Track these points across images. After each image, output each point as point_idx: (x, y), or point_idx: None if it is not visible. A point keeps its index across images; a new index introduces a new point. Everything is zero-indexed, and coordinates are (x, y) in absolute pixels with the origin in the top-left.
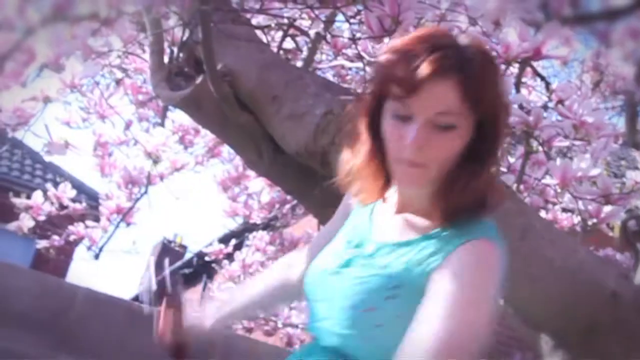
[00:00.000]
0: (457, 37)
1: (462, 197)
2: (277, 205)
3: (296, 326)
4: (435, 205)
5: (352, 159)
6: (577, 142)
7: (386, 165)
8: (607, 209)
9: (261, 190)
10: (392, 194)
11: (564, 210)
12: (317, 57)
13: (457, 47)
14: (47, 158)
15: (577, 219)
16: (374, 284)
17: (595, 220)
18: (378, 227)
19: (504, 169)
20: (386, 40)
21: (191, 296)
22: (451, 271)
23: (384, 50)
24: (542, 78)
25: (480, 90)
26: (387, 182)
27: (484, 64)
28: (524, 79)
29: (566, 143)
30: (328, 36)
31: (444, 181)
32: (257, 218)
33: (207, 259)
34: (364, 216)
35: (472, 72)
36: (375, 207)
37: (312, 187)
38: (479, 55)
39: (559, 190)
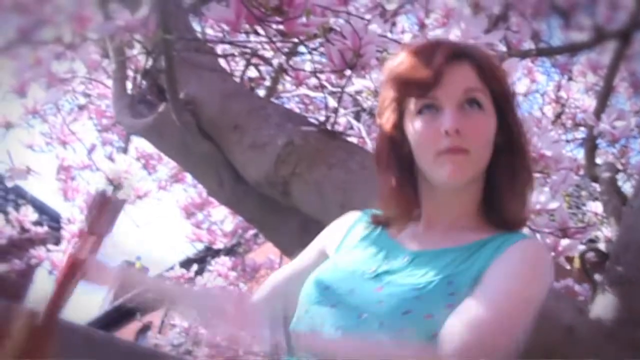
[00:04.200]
0: None
1: (519, 202)
2: (240, 231)
3: (257, 354)
4: (481, 214)
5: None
6: (536, 175)
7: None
8: (565, 242)
9: (224, 218)
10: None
11: None
12: (280, 86)
13: (458, 42)
14: (9, 183)
15: None
16: (432, 290)
17: (553, 254)
18: (404, 242)
19: None
20: (347, 72)
21: (152, 320)
22: (503, 267)
23: (388, 68)
24: None
25: (491, 69)
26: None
27: (484, 52)
28: None
29: None
30: (290, 67)
31: (493, 184)
32: (220, 244)
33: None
34: (380, 239)
35: (480, 56)
36: (386, 232)
37: (272, 216)
38: (478, 48)
39: None
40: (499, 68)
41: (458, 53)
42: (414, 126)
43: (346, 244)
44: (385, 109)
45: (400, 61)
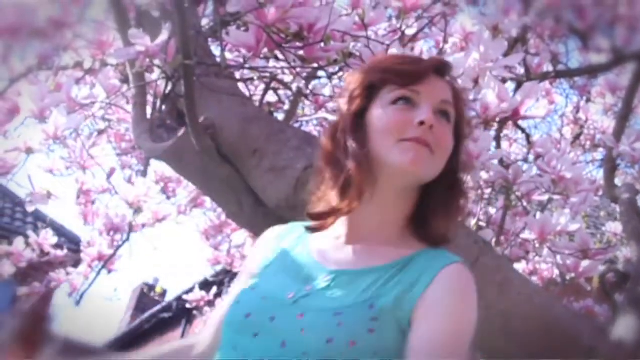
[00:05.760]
0: None
1: (451, 221)
2: None
3: None
4: (406, 227)
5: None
6: (556, 197)
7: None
8: (585, 263)
9: (244, 242)
10: (338, 225)
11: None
12: (300, 110)
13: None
14: (30, 208)
15: (557, 271)
16: (353, 315)
17: (573, 275)
18: (326, 258)
19: (483, 223)
20: None
21: (170, 341)
22: (432, 304)
23: (370, 61)
24: (523, 131)
25: (461, 95)
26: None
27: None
28: (505, 132)
29: (545, 197)
30: (309, 92)
31: (427, 202)
32: (238, 267)
33: (188, 305)
34: (301, 257)
35: (454, 80)
36: (309, 241)
37: None
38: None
39: (537, 245)
40: (465, 99)
41: (441, 69)
42: (386, 112)
43: (268, 264)
44: (355, 94)
45: (386, 57)
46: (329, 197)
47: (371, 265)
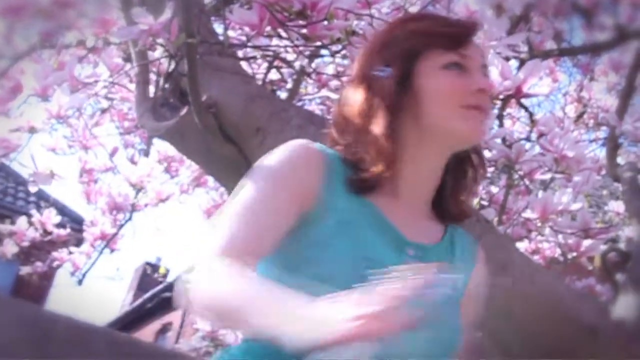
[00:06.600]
0: None
1: (468, 198)
2: None
3: None
4: (442, 201)
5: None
6: (558, 175)
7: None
8: (587, 242)
9: None
10: (387, 190)
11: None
12: (302, 88)
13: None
14: (33, 187)
15: (559, 250)
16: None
17: (574, 254)
18: (400, 224)
19: (485, 202)
20: None
21: (172, 321)
22: (482, 277)
23: (404, 22)
24: (526, 109)
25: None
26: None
27: None
28: (508, 110)
29: (548, 176)
30: (312, 70)
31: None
32: None
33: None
34: (371, 213)
35: None
36: (371, 202)
37: None
38: None
39: (539, 224)
40: None
41: (475, 31)
42: (439, 79)
43: (334, 200)
44: (396, 57)
45: (424, 18)
46: (371, 160)
47: (435, 242)
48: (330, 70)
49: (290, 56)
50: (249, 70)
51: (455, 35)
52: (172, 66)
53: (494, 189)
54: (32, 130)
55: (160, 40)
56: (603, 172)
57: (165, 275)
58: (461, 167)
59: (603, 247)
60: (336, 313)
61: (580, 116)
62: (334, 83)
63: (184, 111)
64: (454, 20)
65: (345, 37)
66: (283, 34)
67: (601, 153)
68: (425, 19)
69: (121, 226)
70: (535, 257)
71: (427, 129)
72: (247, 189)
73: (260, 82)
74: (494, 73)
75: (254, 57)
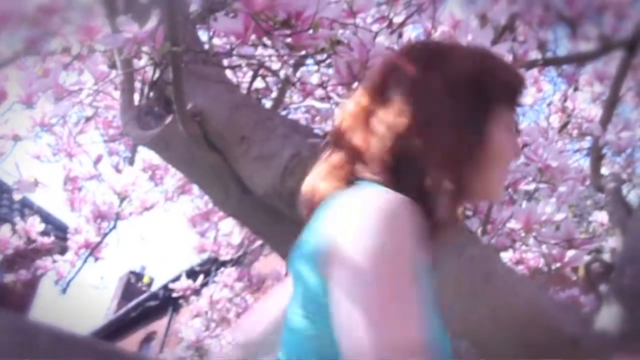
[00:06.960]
0: None
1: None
2: (246, 242)
3: None
4: None
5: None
6: (542, 185)
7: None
8: (571, 253)
9: (231, 230)
10: None
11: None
12: (287, 97)
13: None
14: (17, 195)
15: (543, 260)
16: None
17: (558, 264)
18: None
19: (469, 212)
20: (354, 84)
21: (156, 330)
22: None
23: (484, 65)
24: None
25: None
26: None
27: None
28: None
29: (532, 186)
30: (297, 79)
31: None
32: (225, 255)
33: (174, 294)
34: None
35: None
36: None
37: (279, 227)
38: None
39: (523, 235)
40: None
41: None
42: (507, 138)
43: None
44: (473, 109)
45: (508, 68)
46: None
47: None
48: (315, 79)
49: (275, 65)
50: (234, 79)
51: (523, 93)
52: (157, 74)
53: None
54: (16, 137)
55: (145, 49)
56: (587, 182)
57: (149, 284)
58: None
59: (587, 258)
60: None
61: (564, 126)
62: (319, 92)
63: (168, 119)
64: (523, 78)
65: (330, 46)
66: (268, 42)
67: (585, 163)
68: (505, 68)
69: (105, 234)
70: (520, 267)
71: (476, 181)
72: (380, 281)
73: (245, 91)
74: None
75: (239, 66)
